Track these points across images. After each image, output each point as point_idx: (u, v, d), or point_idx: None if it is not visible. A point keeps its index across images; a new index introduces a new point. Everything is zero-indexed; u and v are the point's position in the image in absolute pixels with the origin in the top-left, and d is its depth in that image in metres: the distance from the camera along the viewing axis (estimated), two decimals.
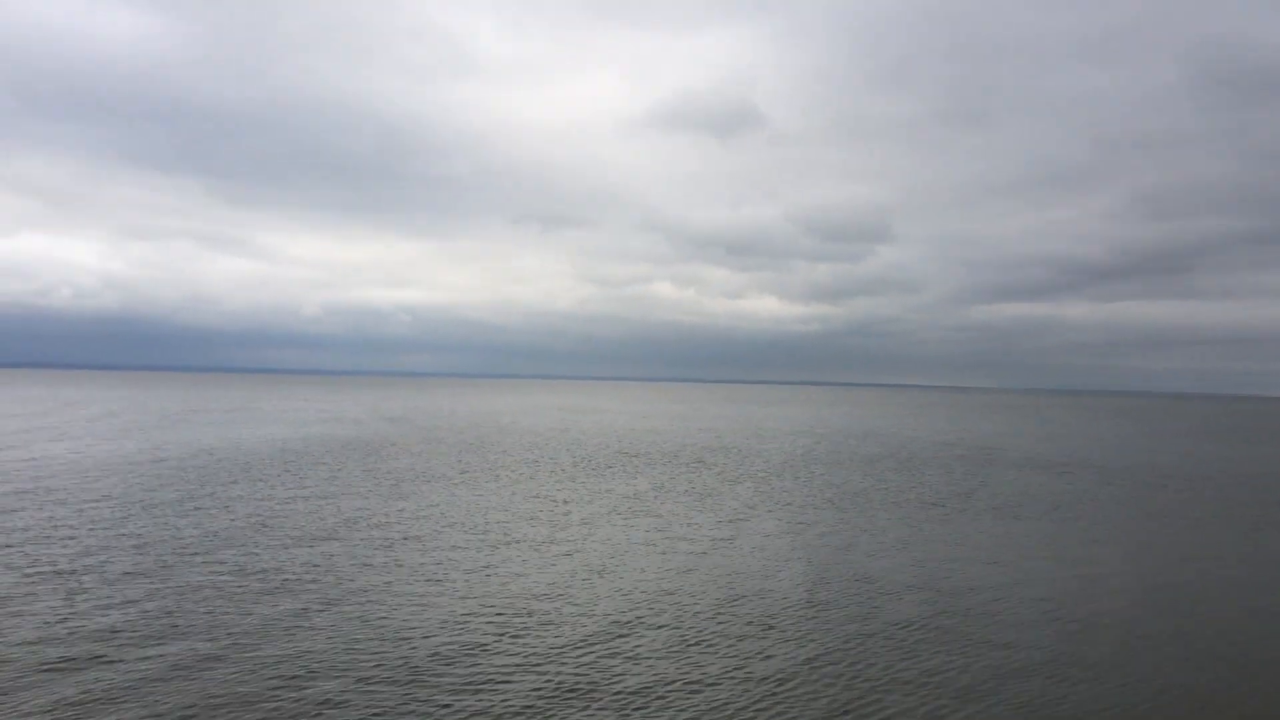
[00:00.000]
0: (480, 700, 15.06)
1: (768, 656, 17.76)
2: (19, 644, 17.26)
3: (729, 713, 14.73)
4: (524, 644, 17.95)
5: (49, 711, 14.30)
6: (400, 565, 24.86)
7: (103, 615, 19.23)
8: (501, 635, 18.56)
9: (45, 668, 16.12)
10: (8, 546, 25.84)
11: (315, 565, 24.43)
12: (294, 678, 15.90)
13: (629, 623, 19.73)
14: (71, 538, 27.32)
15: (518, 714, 14.48)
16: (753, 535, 31.04)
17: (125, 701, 14.69)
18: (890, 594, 23.00)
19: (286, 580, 22.72)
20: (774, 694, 15.63)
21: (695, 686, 15.95)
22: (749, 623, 19.93)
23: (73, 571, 23.01)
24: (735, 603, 21.74)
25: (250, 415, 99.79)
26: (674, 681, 16.15)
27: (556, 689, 15.56)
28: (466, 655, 17.27)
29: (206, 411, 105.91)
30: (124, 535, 27.81)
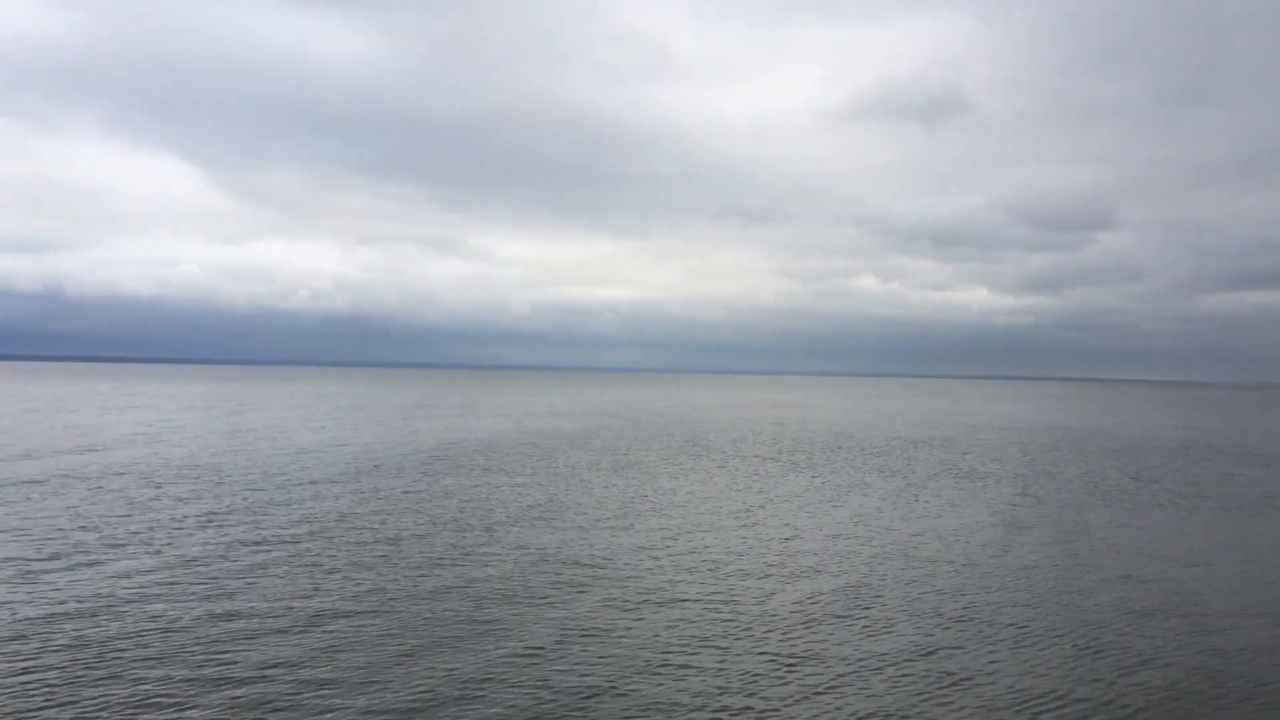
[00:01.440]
0: (697, 678, 17.04)
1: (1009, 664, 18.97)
2: (359, 597, 20.73)
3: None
4: (737, 623, 19.67)
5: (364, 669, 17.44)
6: (659, 547, 27.34)
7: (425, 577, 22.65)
8: (723, 616, 20.46)
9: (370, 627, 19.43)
10: (337, 522, 30.10)
11: (575, 547, 27.34)
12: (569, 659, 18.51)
13: (839, 612, 21.28)
14: (382, 514, 31.41)
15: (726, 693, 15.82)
16: (983, 532, 31.75)
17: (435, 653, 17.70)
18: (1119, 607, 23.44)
19: (562, 560, 25.65)
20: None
21: (942, 686, 17.41)
22: (992, 622, 20.90)
23: (396, 540, 26.79)
24: (945, 595, 22.94)
25: (476, 408, 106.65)
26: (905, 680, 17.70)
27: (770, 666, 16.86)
28: (691, 637, 19.34)
29: (439, 405, 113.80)
30: (418, 515, 31.71)
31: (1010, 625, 19.53)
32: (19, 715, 13.72)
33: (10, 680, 15.01)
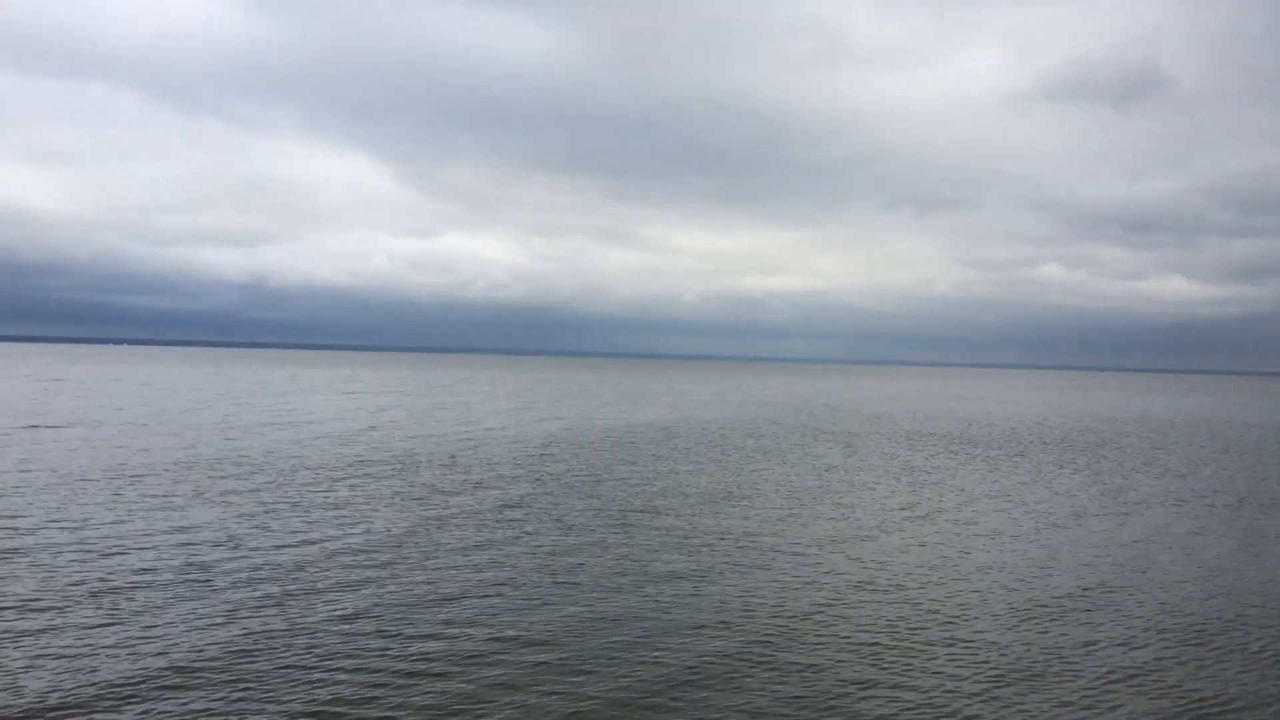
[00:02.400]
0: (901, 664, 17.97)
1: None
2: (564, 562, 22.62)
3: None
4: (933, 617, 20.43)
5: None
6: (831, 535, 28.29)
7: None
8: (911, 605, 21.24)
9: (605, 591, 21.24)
10: (545, 500, 32.37)
11: (753, 524, 28.58)
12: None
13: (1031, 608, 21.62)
14: (589, 498, 33.51)
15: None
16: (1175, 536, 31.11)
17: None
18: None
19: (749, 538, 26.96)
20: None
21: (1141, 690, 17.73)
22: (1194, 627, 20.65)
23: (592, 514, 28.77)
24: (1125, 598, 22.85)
25: (657, 396, 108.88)
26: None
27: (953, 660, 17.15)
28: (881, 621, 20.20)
29: (617, 393, 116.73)
30: (621, 499, 33.60)
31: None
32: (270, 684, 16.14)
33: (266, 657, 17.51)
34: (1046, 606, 19.86)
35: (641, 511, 29.58)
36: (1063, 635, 17.93)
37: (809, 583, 21.30)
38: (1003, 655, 16.62)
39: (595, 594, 19.74)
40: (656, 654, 16.16)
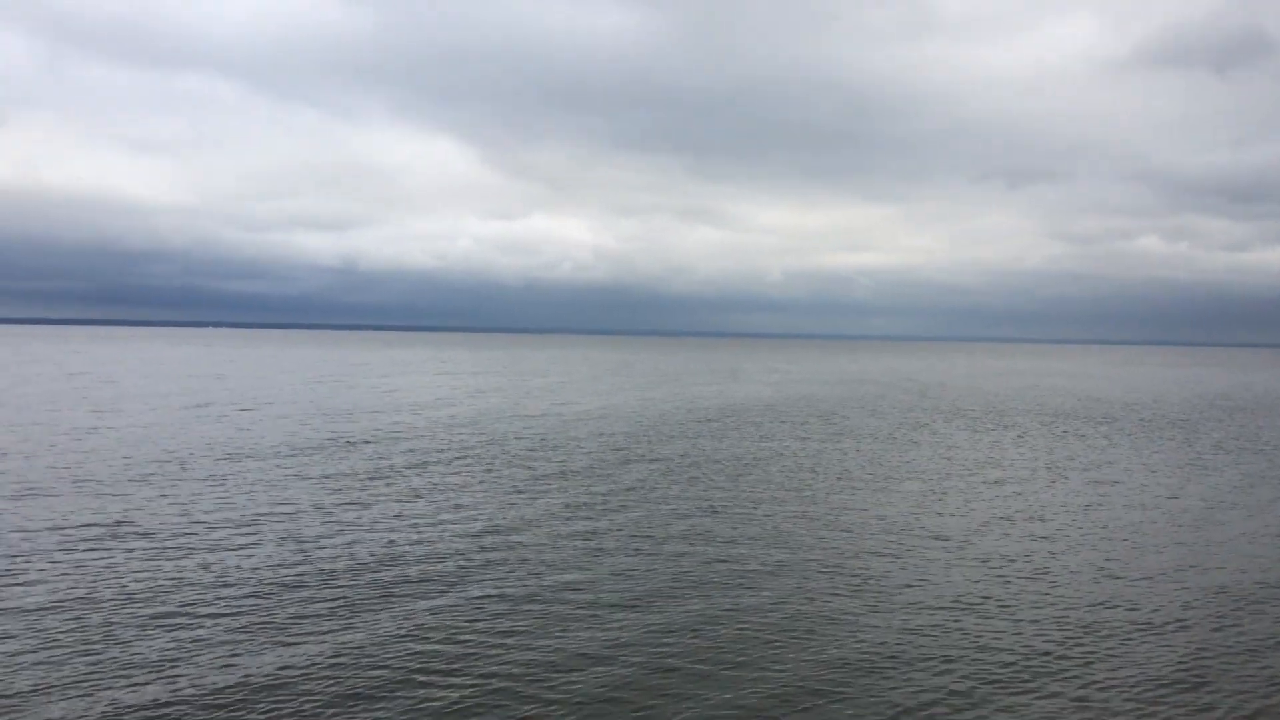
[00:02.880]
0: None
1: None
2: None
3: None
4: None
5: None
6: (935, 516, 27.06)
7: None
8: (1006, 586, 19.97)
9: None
10: (660, 488, 31.80)
11: (856, 505, 27.51)
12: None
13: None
14: (701, 481, 32.85)
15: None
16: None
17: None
18: None
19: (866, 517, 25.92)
20: None
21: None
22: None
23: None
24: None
25: (742, 375, 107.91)
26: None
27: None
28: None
29: (705, 371, 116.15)
30: (728, 479, 32.88)
31: None
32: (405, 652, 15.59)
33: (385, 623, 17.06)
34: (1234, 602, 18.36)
35: (768, 491, 28.69)
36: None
37: (958, 569, 20.11)
38: (1200, 649, 15.28)
39: (734, 581, 18.94)
40: (813, 646, 15.28)
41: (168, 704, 12.55)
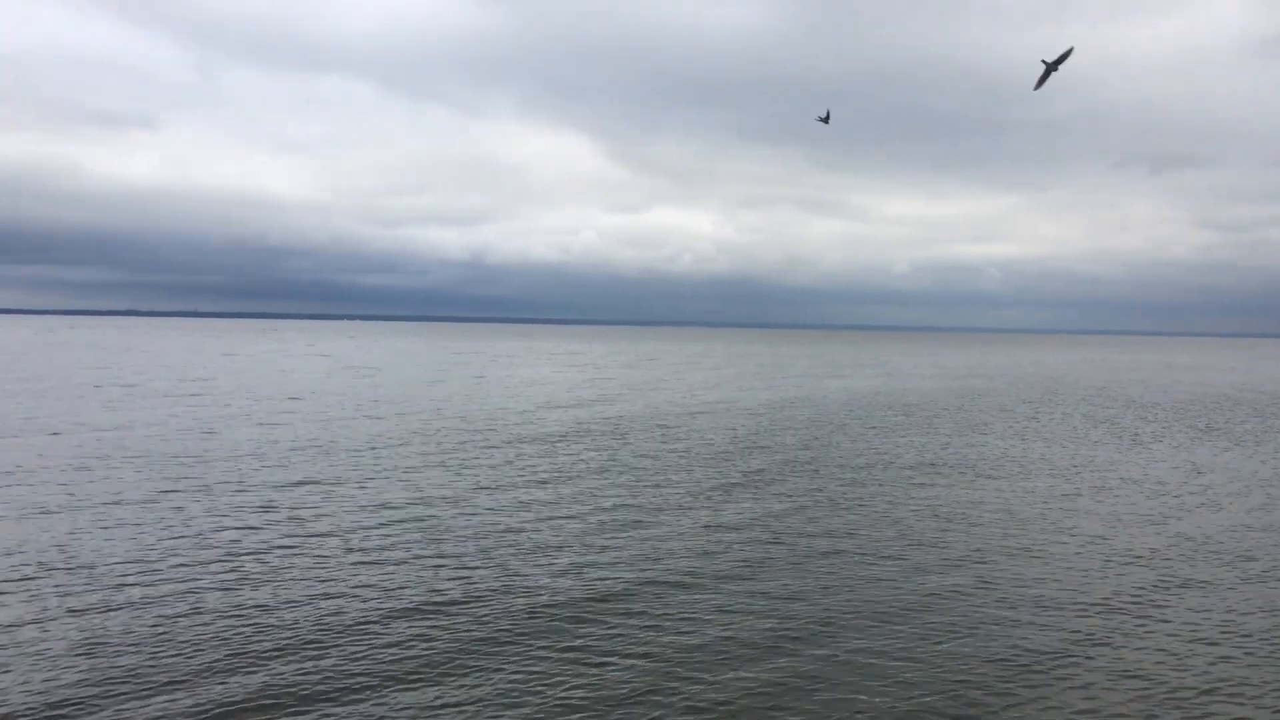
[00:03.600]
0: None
1: None
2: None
3: None
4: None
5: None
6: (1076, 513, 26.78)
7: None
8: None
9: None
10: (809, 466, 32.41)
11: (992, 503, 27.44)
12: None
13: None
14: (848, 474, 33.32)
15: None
16: None
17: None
18: None
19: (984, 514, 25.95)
20: None
21: None
22: None
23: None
24: None
25: (891, 367, 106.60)
26: None
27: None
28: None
29: (839, 364, 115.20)
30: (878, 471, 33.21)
31: None
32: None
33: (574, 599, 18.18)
34: None
35: (898, 486, 28.82)
36: None
37: (1102, 569, 19.88)
38: None
39: (877, 574, 19.02)
40: (957, 646, 15.19)
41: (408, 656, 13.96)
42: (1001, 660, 14.54)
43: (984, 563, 20.00)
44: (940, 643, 15.23)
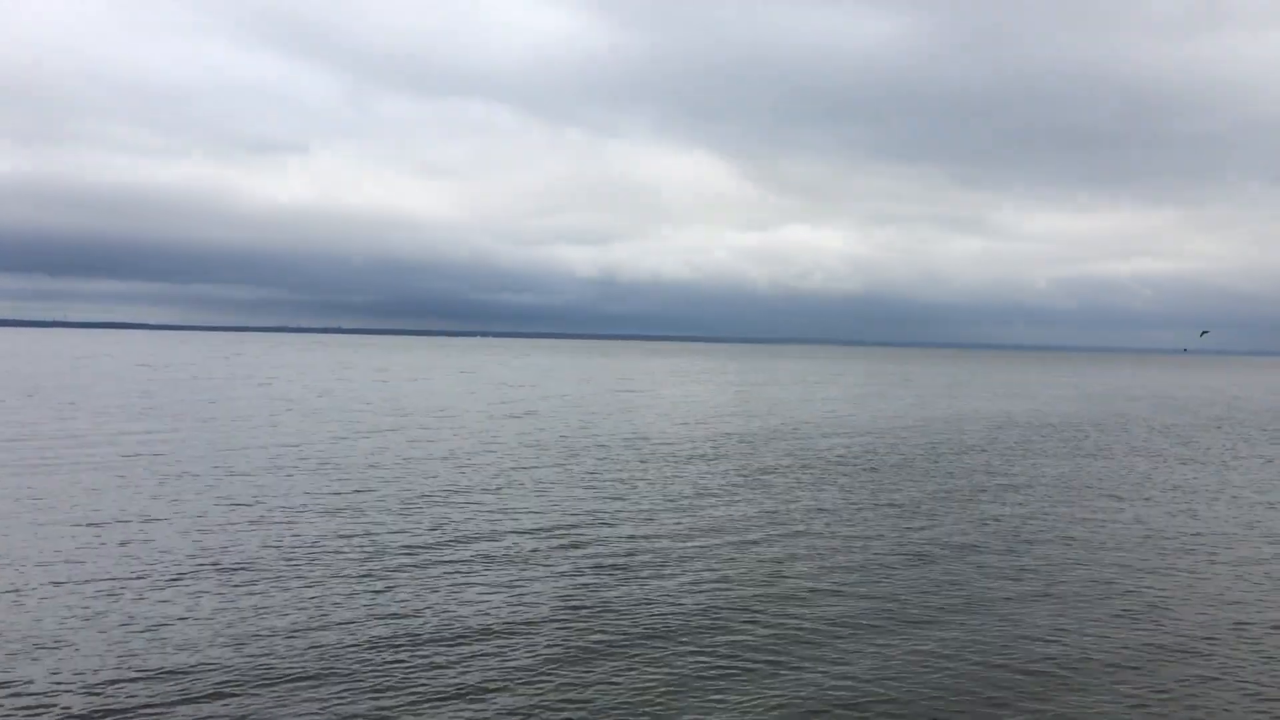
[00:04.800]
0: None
1: None
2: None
3: None
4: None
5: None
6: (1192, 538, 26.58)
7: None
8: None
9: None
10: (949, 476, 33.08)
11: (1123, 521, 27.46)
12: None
13: None
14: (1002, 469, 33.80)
15: None
16: None
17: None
18: None
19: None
20: None
21: None
22: None
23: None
24: None
25: (1034, 389, 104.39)
26: None
27: None
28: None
29: (975, 384, 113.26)
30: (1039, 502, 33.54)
31: None
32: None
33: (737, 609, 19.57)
34: None
35: (1051, 512, 29.07)
36: None
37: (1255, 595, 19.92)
38: None
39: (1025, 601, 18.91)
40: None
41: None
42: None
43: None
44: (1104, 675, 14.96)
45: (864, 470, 35.92)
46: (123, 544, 21.20)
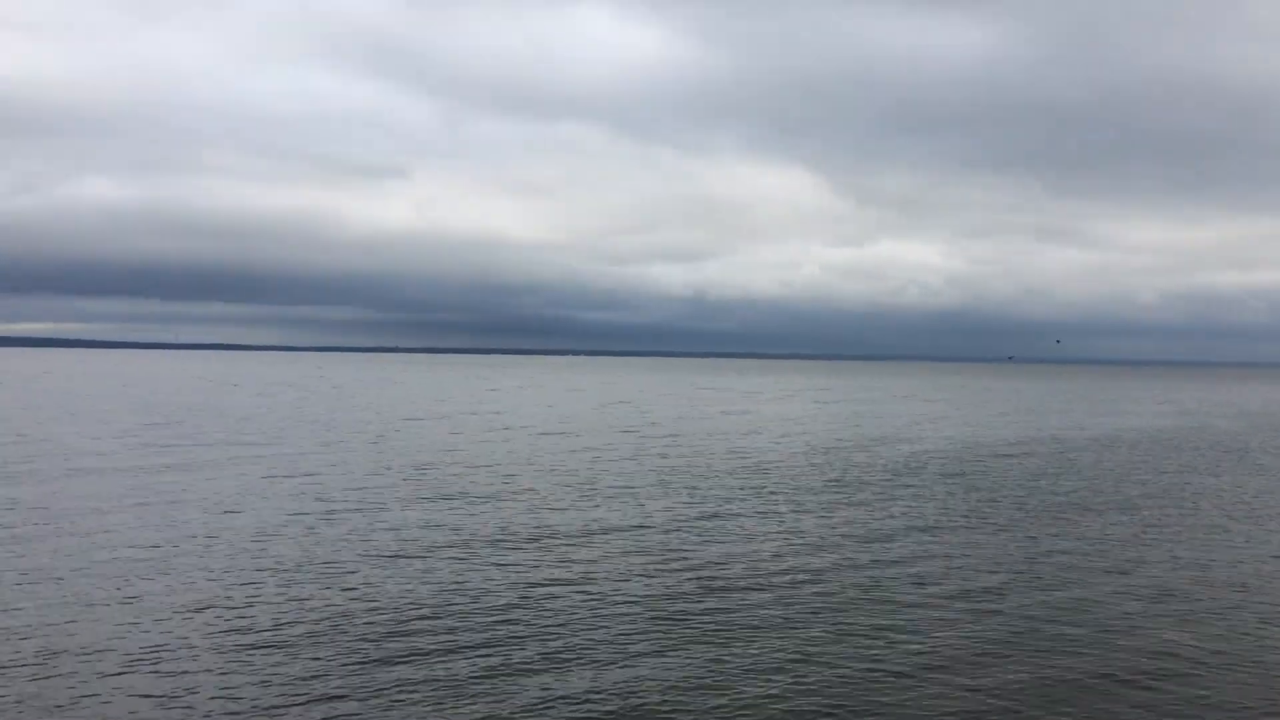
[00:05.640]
0: None
1: None
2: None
3: None
4: None
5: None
6: None
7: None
8: None
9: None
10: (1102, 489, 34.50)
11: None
12: None
13: None
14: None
15: None
16: None
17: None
18: None
19: None
20: None
21: None
22: None
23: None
24: None
25: (1153, 404, 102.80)
26: None
27: None
28: None
29: (1074, 399, 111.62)
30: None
31: None
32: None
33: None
34: None
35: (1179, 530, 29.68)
36: None
37: None
38: None
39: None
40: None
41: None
42: None
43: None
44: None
45: (1012, 490, 37.09)
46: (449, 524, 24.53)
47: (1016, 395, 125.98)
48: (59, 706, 13.48)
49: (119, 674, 14.70)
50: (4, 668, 14.83)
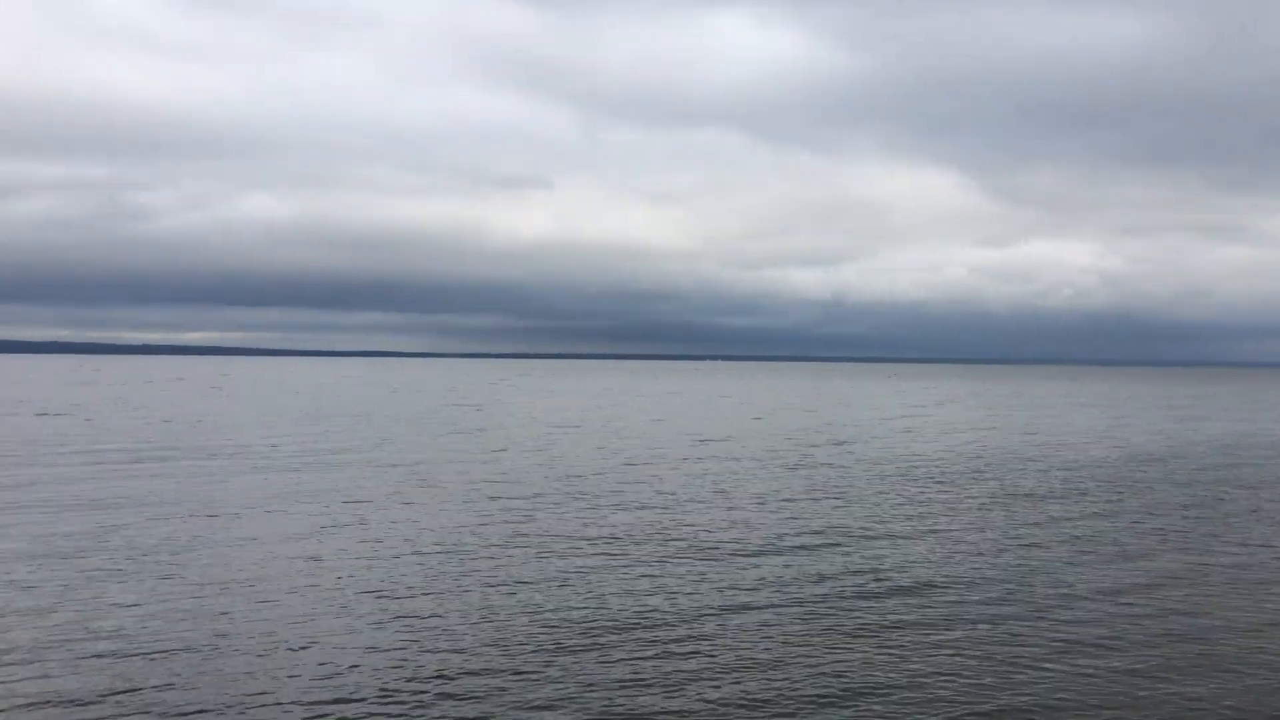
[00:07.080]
0: None
1: None
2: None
3: None
4: None
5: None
6: None
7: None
8: None
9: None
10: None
11: None
12: None
13: None
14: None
15: None
16: None
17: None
18: None
19: None
20: None
21: None
22: None
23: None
24: None
25: None
26: None
27: None
28: None
29: (1240, 405, 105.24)
30: None
31: None
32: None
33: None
34: None
35: None
36: None
37: None
38: None
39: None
40: None
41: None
42: None
43: None
44: None
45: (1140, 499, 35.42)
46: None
47: (1197, 401, 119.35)
48: (235, 680, 14.44)
49: (298, 650, 15.83)
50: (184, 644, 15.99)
